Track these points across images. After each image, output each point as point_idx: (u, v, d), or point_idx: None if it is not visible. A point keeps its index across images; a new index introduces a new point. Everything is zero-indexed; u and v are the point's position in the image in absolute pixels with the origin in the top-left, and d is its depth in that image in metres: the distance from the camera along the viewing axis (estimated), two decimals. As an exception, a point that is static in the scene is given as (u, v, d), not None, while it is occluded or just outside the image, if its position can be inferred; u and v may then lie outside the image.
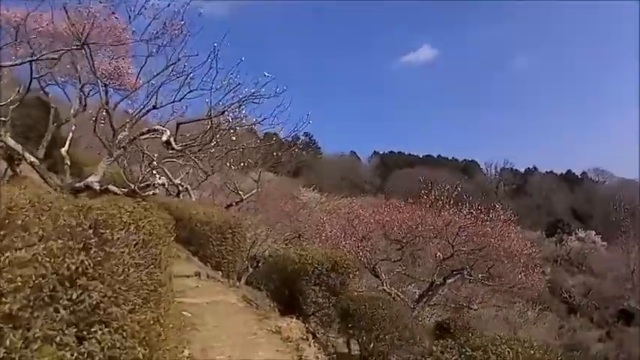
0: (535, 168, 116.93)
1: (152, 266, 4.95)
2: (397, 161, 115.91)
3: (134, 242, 4.64)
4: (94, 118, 13.68)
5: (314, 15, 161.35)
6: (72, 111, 17.94)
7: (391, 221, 24.38)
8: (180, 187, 24.36)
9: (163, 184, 11.24)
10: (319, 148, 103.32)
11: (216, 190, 32.35)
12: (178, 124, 12.92)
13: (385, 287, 22.40)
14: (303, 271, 12.99)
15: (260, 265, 22.81)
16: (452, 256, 22.85)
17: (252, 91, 12.75)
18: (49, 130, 16.36)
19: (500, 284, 24.54)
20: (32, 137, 18.72)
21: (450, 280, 23.45)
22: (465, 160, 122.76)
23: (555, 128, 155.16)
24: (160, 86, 12.65)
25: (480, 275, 23.81)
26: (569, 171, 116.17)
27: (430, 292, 23.37)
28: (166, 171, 25.11)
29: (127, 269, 4.30)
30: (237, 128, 14.59)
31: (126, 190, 11.07)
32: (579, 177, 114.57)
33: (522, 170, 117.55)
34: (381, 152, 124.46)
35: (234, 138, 14.87)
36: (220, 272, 15.91)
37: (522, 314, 37.32)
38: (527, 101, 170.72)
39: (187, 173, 26.84)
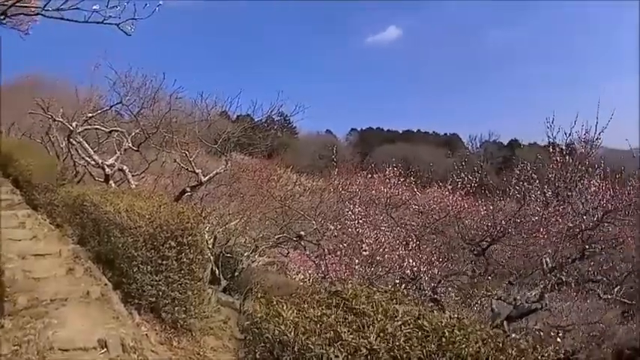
0: (516, 140, 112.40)
1: None
2: (376, 137, 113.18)
3: None
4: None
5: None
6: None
7: (463, 211, 17.25)
8: (109, 170, 17.18)
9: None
10: (295, 128, 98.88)
11: (174, 175, 24.54)
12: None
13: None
14: None
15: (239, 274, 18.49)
16: (578, 259, 15.40)
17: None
18: None
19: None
20: None
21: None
22: (445, 134, 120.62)
23: (533, 100, 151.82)
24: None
25: (617, 288, 16.10)
26: (551, 143, 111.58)
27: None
28: (86, 145, 18.08)
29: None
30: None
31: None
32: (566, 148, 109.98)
33: (505, 143, 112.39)
34: (359, 129, 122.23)
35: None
36: (159, 320, 8.83)
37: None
38: (503, 74, 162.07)
39: (125, 150, 19.11)
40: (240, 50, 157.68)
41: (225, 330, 10.40)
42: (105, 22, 6.51)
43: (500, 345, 4.20)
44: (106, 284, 9.63)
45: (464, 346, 4.10)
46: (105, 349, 6.99)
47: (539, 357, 4.07)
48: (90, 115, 18.70)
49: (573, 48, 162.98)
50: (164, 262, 8.69)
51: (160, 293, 8.71)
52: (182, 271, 8.85)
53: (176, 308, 8.77)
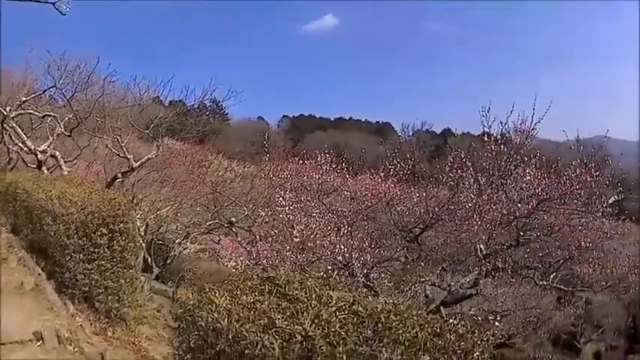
0: (449, 129, 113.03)
1: None
2: (308, 124, 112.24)
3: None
4: None
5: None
6: None
7: (396, 198, 16.95)
8: (42, 156, 16.97)
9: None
10: (226, 114, 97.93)
11: (106, 161, 24.17)
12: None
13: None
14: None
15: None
16: (513, 246, 15.62)
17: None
18: None
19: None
20: None
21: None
22: (378, 122, 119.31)
23: (467, 90, 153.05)
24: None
25: (553, 275, 17.00)
26: (486, 132, 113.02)
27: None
28: (19, 131, 17.81)
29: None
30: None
31: None
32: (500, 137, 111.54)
33: (438, 132, 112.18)
34: (291, 116, 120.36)
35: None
36: (93, 310, 8.65)
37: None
38: (439, 63, 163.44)
39: (57, 136, 18.81)
40: (170, 36, 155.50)
41: (159, 319, 10.47)
42: (40, 0, 6.50)
43: (438, 330, 4.19)
44: (39, 274, 9.41)
45: (401, 331, 4.05)
46: (41, 342, 6.85)
47: (479, 341, 4.07)
48: (24, 99, 18.33)
49: (515, 40, 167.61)
50: (96, 250, 8.62)
51: (93, 282, 8.63)
52: (114, 259, 8.78)
53: (109, 297, 8.70)
